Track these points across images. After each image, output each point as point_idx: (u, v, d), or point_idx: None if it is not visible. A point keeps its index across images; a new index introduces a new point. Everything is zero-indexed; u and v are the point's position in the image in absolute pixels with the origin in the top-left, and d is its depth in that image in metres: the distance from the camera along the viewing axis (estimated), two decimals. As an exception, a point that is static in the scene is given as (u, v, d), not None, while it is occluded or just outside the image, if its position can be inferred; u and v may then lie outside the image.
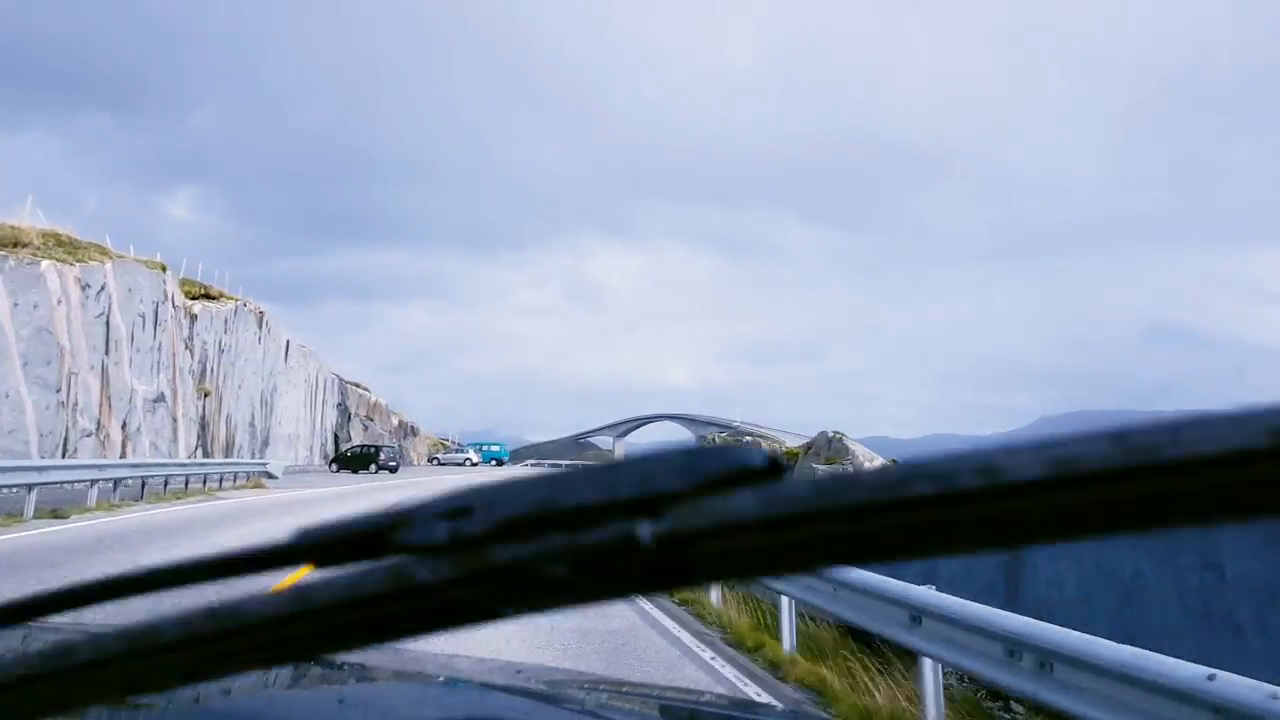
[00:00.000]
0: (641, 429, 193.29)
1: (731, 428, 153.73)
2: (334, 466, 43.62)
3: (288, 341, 43.96)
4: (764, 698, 6.11)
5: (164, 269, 29.23)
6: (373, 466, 42.22)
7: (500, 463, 65.85)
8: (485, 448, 67.05)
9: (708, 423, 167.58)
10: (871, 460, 23.58)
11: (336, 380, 53.54)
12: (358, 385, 57.37)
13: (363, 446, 46.09)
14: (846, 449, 23.75)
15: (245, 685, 1.44)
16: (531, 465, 77.68)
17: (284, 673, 1.52)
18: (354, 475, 41.34)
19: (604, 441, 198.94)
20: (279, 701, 1.43)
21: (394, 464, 43.36)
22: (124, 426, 26.85)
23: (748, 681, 6.65)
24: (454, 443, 69.95)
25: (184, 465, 22.56)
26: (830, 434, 24.77)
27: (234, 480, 25.55)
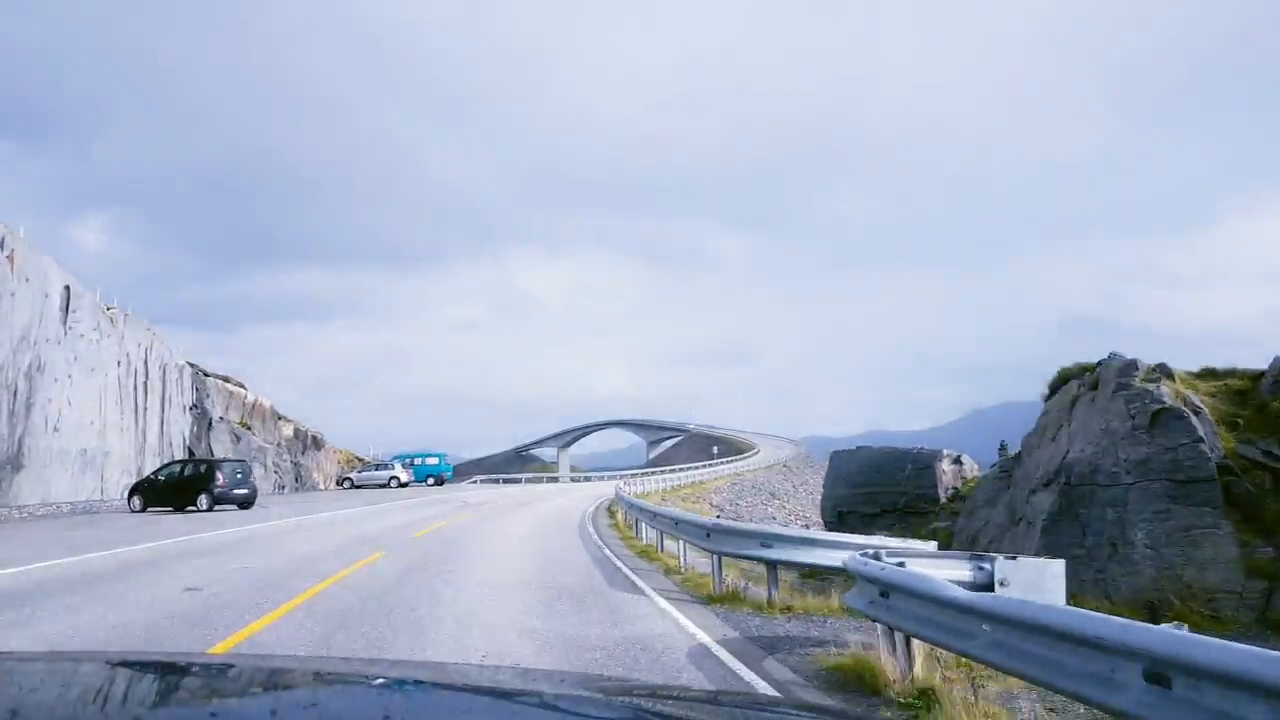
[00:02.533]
0: (587, 437, 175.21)
1: (685, 430, 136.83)
2: (135, 501, 23.56)
3: (67, 289, 24.57)
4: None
5: None
6: (202, 499, 22.49)
7: (440, 480, 46.86)
8: (419, 461, 47.80)
9: (660, 427, 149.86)
10: None
11: (187, 369, 34.10)
12: (226, 379, 37.84)
13: (184, 464, 25.38)
14: None
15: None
16: (481, 481, 59.04)
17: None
18: (178, 514, 22.27)
19: (547, 453, 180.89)
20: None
21: (244, 491, 23.85)
22: None
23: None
24: (373, 458, 50.19)
25: None
26: None
27: None
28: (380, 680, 1.64)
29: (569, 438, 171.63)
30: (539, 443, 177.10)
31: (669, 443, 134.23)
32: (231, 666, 1.83)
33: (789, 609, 8.34)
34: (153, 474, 24.69)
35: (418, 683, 1.65)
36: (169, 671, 1.65)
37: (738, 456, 79.52)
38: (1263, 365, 13.46)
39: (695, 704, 1.72)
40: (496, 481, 61.30)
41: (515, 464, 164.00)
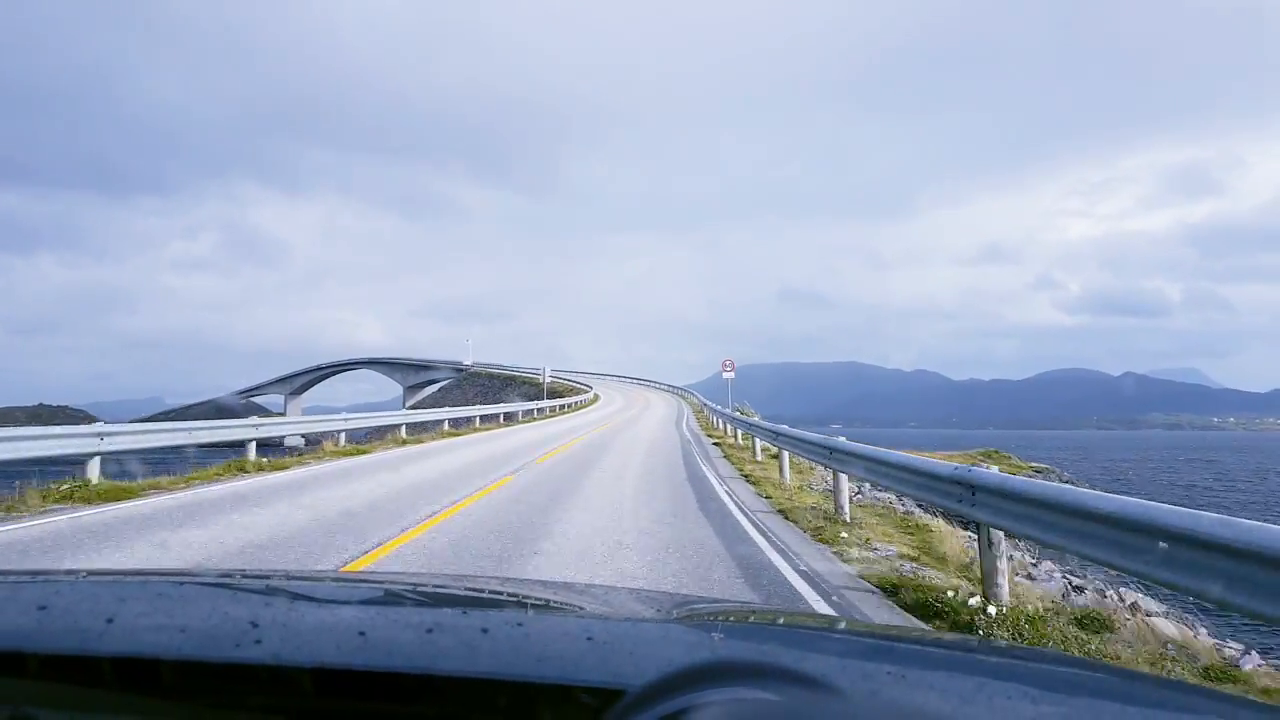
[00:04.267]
0: (328, 381, 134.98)
1: (458, 369, 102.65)
2: None
3: None
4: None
5: None
6: None
7: None
8: None
9: (421, 365, 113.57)
10: None
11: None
12: None
13: None
14: None
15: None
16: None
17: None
18: None
19: (273, 401, 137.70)
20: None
21: None
22: None
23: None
24: None
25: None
26: None
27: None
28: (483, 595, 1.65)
29: (301, 382, 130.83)
30: (261, 388, 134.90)
31: (434, 386, 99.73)
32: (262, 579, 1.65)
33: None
34: None
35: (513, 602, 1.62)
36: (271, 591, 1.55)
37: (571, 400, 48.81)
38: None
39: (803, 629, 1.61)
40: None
41: (228, 415, 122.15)
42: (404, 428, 24.33)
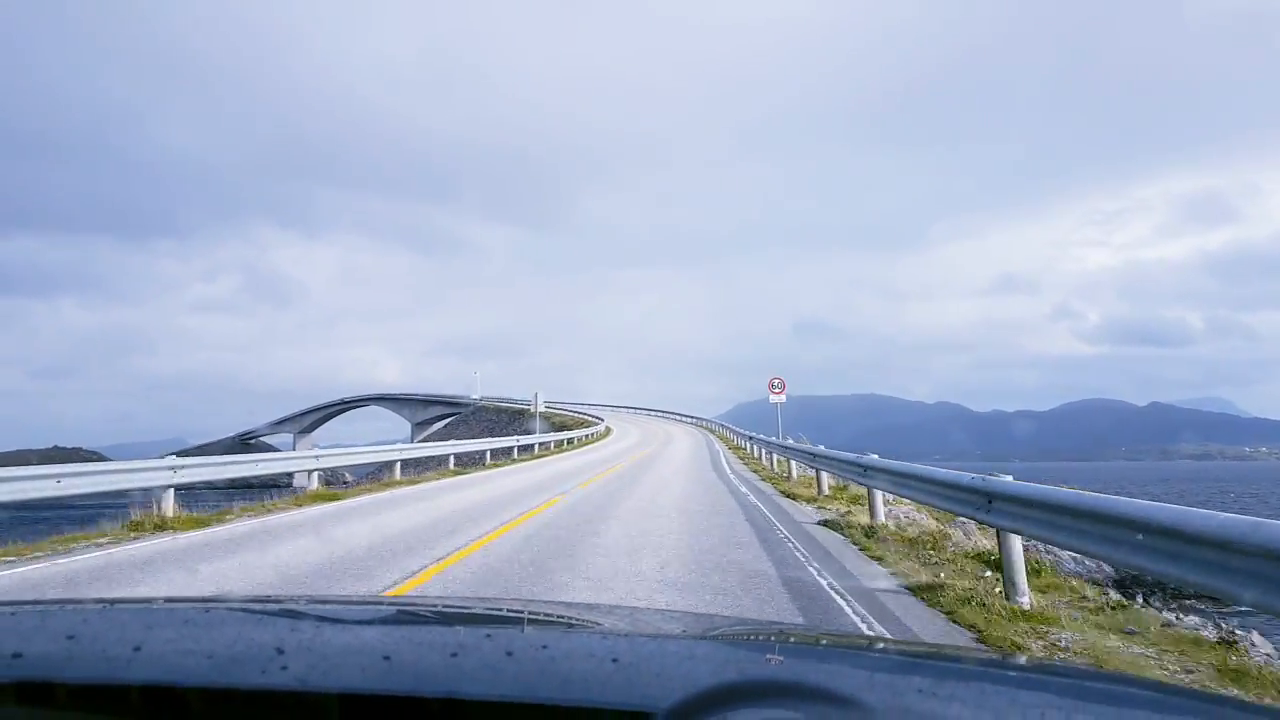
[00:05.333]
0: (337, 419, 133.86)
1: (465, 404, 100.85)
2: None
3: None
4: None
5: None
6: None
7: None
8: None
9: (428, 400, 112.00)
10: None
11: None
12: None
13: None
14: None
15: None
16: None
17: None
18: None
19: (282, 440, 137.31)
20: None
21: None
22: None
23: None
24: None
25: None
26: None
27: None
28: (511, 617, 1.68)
29: (311, 420, 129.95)
30: (274, 425, 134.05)
31: (441, 423, 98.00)
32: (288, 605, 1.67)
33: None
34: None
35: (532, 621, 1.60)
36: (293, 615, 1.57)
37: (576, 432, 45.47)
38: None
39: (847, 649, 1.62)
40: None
41: (238, 453, 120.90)
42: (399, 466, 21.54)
